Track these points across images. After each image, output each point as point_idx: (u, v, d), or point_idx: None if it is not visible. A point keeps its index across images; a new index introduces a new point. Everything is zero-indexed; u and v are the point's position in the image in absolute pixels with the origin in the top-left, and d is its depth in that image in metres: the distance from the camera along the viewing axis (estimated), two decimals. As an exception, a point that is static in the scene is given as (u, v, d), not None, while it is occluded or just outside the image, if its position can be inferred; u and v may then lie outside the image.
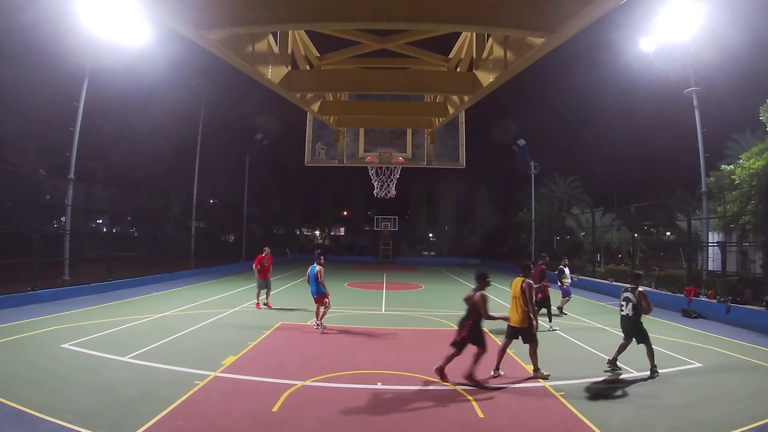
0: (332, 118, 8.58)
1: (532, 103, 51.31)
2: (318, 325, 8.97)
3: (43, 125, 22.91)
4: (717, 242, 15.13)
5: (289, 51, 5.64)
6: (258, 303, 11.76)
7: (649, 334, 6.43)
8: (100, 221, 21.75)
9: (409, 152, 9.73)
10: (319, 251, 9.74)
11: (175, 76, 22.93)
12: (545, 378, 6.11)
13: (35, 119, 23.66)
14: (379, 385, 5.74)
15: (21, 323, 8.81)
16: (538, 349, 6.32)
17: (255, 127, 31.53)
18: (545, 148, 39.39)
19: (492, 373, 6.17)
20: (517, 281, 6.42)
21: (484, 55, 5.46)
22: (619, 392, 5.74)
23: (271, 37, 5.04)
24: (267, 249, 12.08)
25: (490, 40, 5.20)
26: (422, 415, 4.88)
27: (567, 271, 11.47)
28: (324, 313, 9.05)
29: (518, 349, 7.68)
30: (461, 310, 6.20)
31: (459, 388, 5.68)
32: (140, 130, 29.27)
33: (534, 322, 6.23)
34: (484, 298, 5.87)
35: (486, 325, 6.05)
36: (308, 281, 9.07)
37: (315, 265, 8.93)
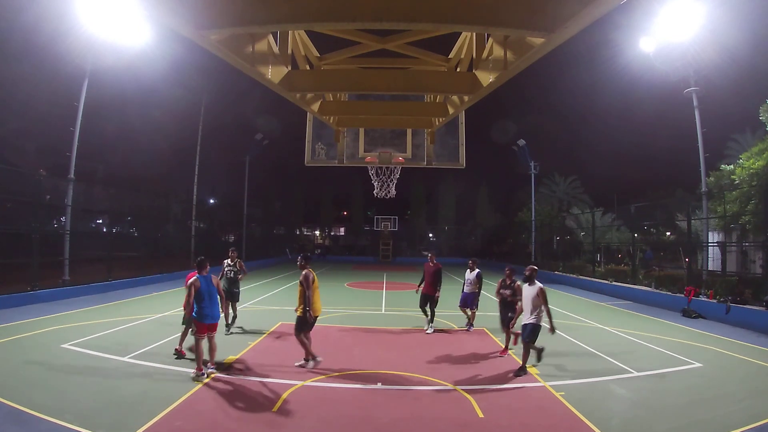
0: (332, 118, 8.56)
1: (532, 103, 51.41)
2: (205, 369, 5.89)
3: (43, 125, 22.95)
4: (717, 242, 15.12)
5: (289, 51, 5.63)
6: None
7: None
8: (100, 221, 21.73)
9: (409, 152, 9.71)
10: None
11: (175, 76, 22.92)
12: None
13: (35, 119, 23.70)
14: (379, 385, 5.75)
15: (21, 323, 8.80)
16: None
17: (255, 127, 31.58)
18: (545, 148, 39.53)
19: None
20: None
21: (484, 55, 5.45)
22: (619, 392, 5.74)
23: (271, 37, 5.03)
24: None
25: (490, 40, 5.18)
26: (422, 415, 4.89)
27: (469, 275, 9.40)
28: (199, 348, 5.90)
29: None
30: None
31: (459, 388, 5.68)
32: (140, 130, 29.37)
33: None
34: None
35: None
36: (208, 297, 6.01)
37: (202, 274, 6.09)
